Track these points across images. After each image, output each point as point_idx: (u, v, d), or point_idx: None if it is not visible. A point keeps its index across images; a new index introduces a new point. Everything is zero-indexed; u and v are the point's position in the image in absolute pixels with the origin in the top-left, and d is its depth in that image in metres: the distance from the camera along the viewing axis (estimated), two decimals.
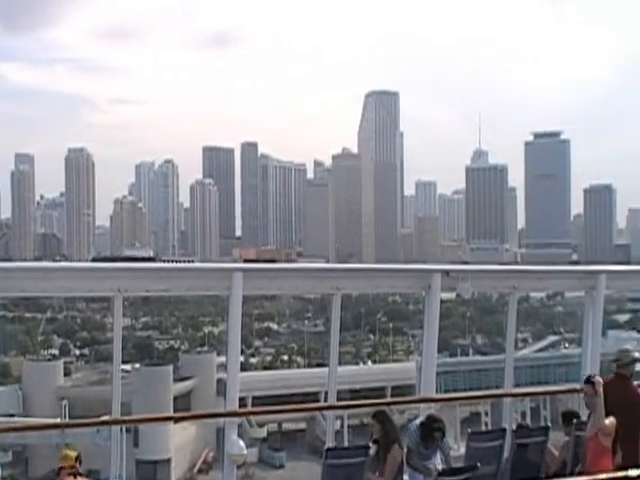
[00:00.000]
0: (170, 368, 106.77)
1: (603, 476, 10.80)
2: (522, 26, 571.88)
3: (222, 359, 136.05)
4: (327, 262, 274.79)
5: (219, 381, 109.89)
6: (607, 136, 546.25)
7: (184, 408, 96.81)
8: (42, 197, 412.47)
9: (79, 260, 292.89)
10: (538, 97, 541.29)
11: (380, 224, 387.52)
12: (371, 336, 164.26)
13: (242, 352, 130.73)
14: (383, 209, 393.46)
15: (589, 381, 12.12)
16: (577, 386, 16.79)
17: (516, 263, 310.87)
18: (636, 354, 13.73)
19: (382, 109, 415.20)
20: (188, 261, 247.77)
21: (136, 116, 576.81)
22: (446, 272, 16.10)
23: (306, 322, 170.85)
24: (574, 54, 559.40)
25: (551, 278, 18.80)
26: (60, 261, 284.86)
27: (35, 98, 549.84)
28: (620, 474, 10.62)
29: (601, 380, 12.04)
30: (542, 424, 15.99)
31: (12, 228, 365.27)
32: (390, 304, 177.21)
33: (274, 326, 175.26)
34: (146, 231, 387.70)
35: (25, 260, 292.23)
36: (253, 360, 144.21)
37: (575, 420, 14.50)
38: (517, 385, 18.03)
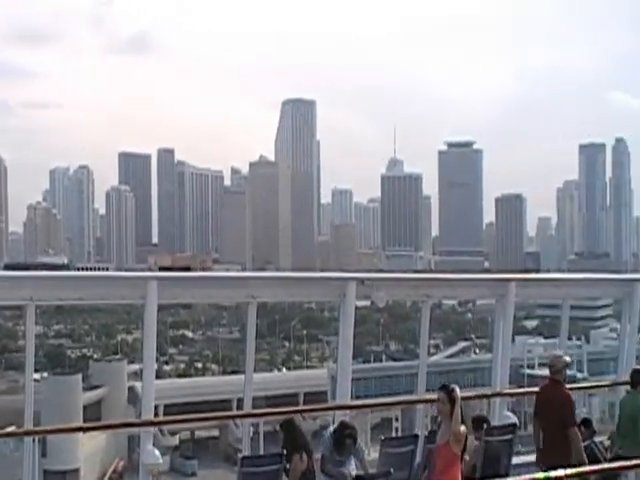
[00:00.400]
0: (79, 377, 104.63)
1: (539, 475, 10.78)
2: (435, 39, 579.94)
3: (134, 367, 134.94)
4: (244, 269, 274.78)
5: (130, 389, 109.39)
6: (517, 147, 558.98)
7: (94, 417, 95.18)
8: None
9: None
10: (452, 108, 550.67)
11: (297, 232, 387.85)
12: (286, 343, 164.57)
13: (156, 360, 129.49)
14: (300, 217, 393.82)
15: (445, 389, 11.86)
16: (487, 391, 17.95)
17: (430, 270, 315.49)
18: (567, 358, 14.18)
19: (299, 117, 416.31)
20: (102, 268, 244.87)
21: (51, 121, 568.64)
22: (361, 280, 16.13)
23: (221, 329, 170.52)
24: (485, 67, 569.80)
25: (463, 286, 19.11)
26: None
27: None
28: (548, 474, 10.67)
29: (457, 389, 12.00)
30: None
31: None
32: (305, 311, 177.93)
33: (189, 334, 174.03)
34: (61, 238, 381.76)
35: None
36: (167, 368, 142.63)
37: (485, 425, 14.77)
38: (428, 390, 17.34)
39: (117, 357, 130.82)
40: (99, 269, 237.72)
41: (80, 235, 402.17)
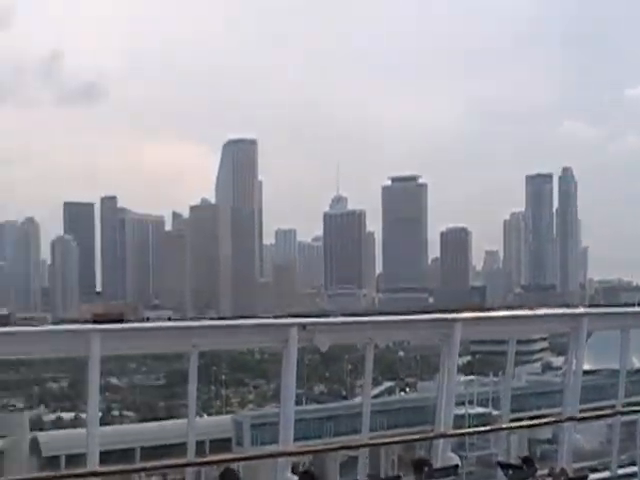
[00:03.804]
0: None
1: None
2: (373, 71, 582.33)
3: (51, 417, 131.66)
4: (184, 314, 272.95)
5: (32, 440, 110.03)
6: (463, 179, 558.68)
7: None
8: None
9: None
10: (395, 142, 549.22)
11: (238, 274, 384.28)
12: (212, 387, 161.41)
13: (72, 409, 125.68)
14: (241, 259, 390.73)
15: None
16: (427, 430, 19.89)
17: (373, 312, 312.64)
18: None
19: (240, 158, 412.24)
20: (39, 319, 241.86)
21: (1, 175, 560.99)
22: (303, 326, 16.50)
23: (143, 376, 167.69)
24: (428, 99, 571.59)
25: (407, 328, 19.71)
26: None
27: None
28: None
29: None
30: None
31: None
32: (235, 354, 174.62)
33: (114, 380, 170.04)
34: (8, 289, 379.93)
35: None
36: (83, 415, 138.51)
37: (426, 468, 15.49)
38: (372, 430, 18.60)
39: (19, 407, 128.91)
40: (30, 319, 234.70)
41: (26, 286, 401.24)
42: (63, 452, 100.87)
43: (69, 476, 13.60)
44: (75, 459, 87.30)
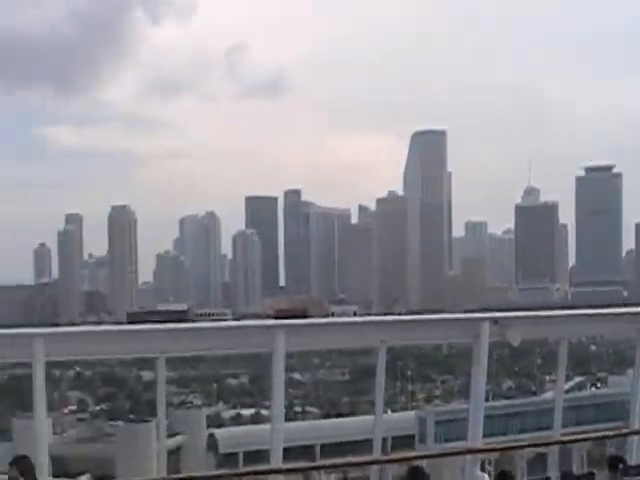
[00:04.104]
0: (152, 425, 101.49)
1: None
2: (567, 57, 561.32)
3: (231, 412, 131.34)
4: (369, 308, 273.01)
5: (210, 436, 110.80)
6: None
7: (173, 465, 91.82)
8: (91, 255, 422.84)
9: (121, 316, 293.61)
10: (589, 131, 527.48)
11: (426, 267, 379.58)
12: (398, 383, 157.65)
13: (252, 405, 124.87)
14: (429, 252, 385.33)
15: (18, 462, 10.97)
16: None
17: (567, 302, 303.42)
18: None
19: (428, 149, 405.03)
20: (220, 314, 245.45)
21: (182, 169, 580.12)
22: (494, 320, 16.34)
23: (325, 371, 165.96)
24: (623, 87, 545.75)
25: (601, 322, 19.40)
26: (103, 318, 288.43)
27: (84, 158, 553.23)
28: None
29: None
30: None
31: (59, 286, 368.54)
32: (423, 349, 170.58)
33: (296, 376, 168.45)
34: (188, 284, 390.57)
35: (71, 316, 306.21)
36: (265, 412, 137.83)
37: (621, 465, 14.53)
38: (565, 426, 18.28)
39: (197, 404, 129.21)
40: (213, 315, 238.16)
41: (207, 281, 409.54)
42: (241, 449, 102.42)
43: (254, 473, 14.09)
44: (253, 456, 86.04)
